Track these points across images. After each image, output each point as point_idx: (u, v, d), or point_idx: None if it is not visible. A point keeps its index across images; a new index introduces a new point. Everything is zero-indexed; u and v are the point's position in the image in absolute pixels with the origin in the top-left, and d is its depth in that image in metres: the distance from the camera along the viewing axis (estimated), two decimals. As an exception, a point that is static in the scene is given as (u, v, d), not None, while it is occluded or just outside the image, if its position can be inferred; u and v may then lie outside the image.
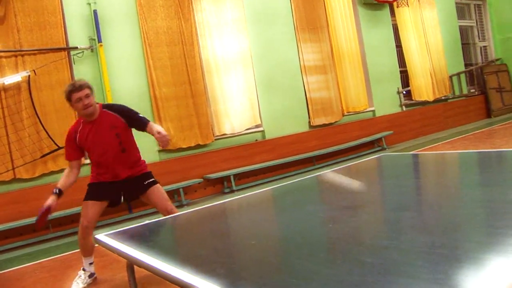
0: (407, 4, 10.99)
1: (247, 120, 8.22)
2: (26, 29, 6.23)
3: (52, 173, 6.29)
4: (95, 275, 3.68)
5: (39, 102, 6.24)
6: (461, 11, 13.20)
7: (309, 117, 9.13)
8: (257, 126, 8.43)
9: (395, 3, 10.76)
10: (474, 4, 13.58)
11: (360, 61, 10.03)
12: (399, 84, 10.94)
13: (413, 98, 11.12)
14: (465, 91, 12.56)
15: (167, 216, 3.07)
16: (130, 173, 3.55)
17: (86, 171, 6.55)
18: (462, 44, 12.92)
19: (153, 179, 3.65)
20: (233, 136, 8.07)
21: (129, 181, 3.56)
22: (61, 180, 3.50)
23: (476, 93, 12.90)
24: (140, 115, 3.54)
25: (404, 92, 11.06)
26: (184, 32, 7.55)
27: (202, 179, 7.35)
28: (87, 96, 3.38)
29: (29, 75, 6.13)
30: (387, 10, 10.82)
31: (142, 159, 3.73)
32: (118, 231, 2.34)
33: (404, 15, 11.07)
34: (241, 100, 8.15)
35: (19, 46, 6.17)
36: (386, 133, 9.82)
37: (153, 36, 7.26)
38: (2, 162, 5.93)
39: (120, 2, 7.06)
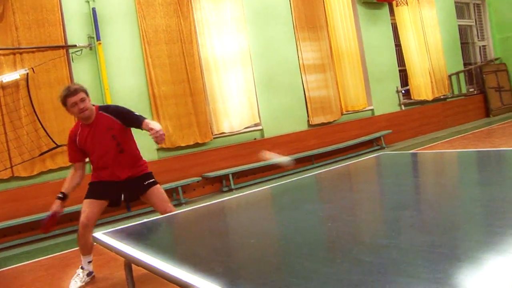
0: (406, 3, 11.00)
1: (246, 119, 8.21)
2: (25, 27, 6.21)
3: (50, 171, 6.28)
4: (93, 274, 3.68)
5: (38, 100, 6.22)
6: (460, 10, 13.21)
7: (308, 116, 9.12)
8: (256, 125, 8.42)
9: (394, 2, 10.76)
10: (473, 4, 13.58)
11: (359, 60, 10.03)
12: (398, 83, 10.95)
13: (412, 97, 11.13)
14: (464, 91, 12.57)
15: (165, 215, 3.06)
16: (130, 174, 3.55)
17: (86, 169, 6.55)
18: (461, 43, 12.92)
19: (153, 179, 3.64)
20: (231, 134, 8.06)
21: (129, 182, 3.56)
22: (65, 184, 3.55)
23: (475, 92, 12.91)
24: (136, 113, 3.51)
25: (403, 91, 11.06)
26: (183, 30, 7.53)
27: (200, 178, 7.34)
28: (82, 100, 3.39)
29: (27, 73, 6.12)
30: (386, 9, 10.82)
31: (143, 159, 3.72)
32: (116, 230, 2.33)
33: (404, 14, 11.07)
34: (240, 99, 8.14)
35: (18, 44, 6.15)
36: (385, 132, 9.82)
37: (152, 34, 7.25)
38: (0, 160, 5.92)
39: (119, 0, 7.04)
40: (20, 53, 6.16)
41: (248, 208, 2.73)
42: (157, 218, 2.75)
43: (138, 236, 2.27)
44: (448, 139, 9.55)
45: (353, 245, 1.61)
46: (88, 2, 6.70)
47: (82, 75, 6.61)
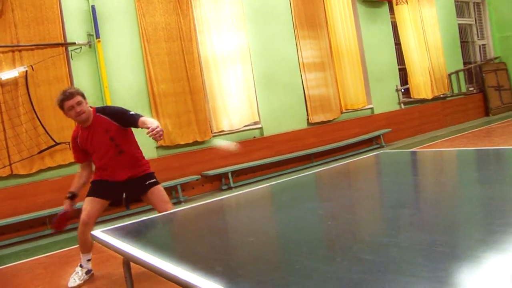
0: (406, 2, 10.98)
1: (245, 117, 8.20)
2: (24, 24, 6.19)
3: (49, 169, 6.27)
4: (92, 272, 3.68)
5: (37, 97, 6.21)
6: (460, 9, 13.19)
7: (307, 114, 9.12)
8: (255, 123, 8.41)
9: (394, 1, 10.76)
10: (473, 2, 13.57)
11: (359, 59, 10.02)
12: (397, 81, 10.94)
13: (411, 96, 11.12)
14: (463, 89, 12.56)
15: (164, 213, 3.05)
16: (131, 174, 3.55)
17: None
18: (461, 42, 12.91)
19: (154, 179, 3.63)
20: (231, 132, 8.05)
21: (131, 182, 3.56)
22: (74, 183, 3.63)
23: (475, 91, 12.90)
24: (131, 113, 3.46)
25: (402, 90, 11.05)
26: (182, 28, 7.51)
27: (200, 176, 7.33)
28: (78, 103, 3.39)
29: (26, 71, 6.10)
30: (386, 8, 10.81)
31: (144, 159, 3.70)
32: (115, 228, 2.32)
33: (403, 12, 11.05)
34: (239, 97, 8.13)
35: (17, 41, 6.13)
36: (384, 131, 9.82)
37: (152, 32, 7.23)
38: (-1, 157, 5.91)
39: (118, -2, 7.03)
40: (19, 51, 6.14)
41: (248, 206, 2.72)
42: (155, 216, 2.74)
43: (136, 234, 2.27)
44: (448, 138, 9.54)
45: (353, 243, 1.61)
46: (88, -1, 6.69)
47: (81, 72, 6.60)
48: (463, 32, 13.22)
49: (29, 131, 6.10)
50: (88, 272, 3.63)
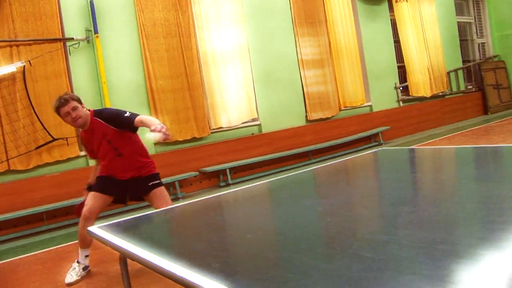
0: (406, 0, 10.96)
1: (243, 114, 8.18)
2: (22, 19, 6.15)
3: (46, 164, 6.24)
4: (89, 268, 3.66)
5: (34, 93, 6.18)
6: (460, 7, 13.18)
7: (306, 111, 9.10)
8: (253, 120, 8.40)
9: (393, -2, 10.73)
10: (473, 1, 13.56)
11: (358, 56, 10.00)
12: (396, 79, 10.92)
13: (410, 94, 11.11)
14: (462, 88, 12.56)
15: (161, 209, 3.03)
16: (133, 174, 3.54)
17: (81, 163, 6.51)
18: (460, 40, 12.90)
19: (158, 181, 3.61)
20: (229, 129, 8.03)
21: (134, 181, 3.55)
22: (90, 175, 3.77)
23: (474, 89, 12.90)
24: (127, 114, 3.39)
25: (401, 88, 11.04)
26: (181, 24, 7.48)
27: (198, 172, 7.32)
28: (74, 109, 3.39)
29: (24, 66, 6.07)
30: (385, 5, 10.78)
31: (149, 159, 3.67)
32: (112, 224, 2.30)
33: (403, 10, 11.04)
34: (238, 94, 8.10)
35: (14, 36, 6.09)
36: (383, 128, 9.81)
37: (150, 27, 7.20)
38: (-4, 153, 5.88)
39: (116, -7, 6.99)
40: (17, 46, 6.11)
41: (246, 203, 2.71)
42: (153, 213, 2.73)
43: (133, 230, 2.25)
44: (446, 136, 9.54)
45: (352, 240, 1.59)
46: (86, -6, 6.65)
47: (79, 68, 6.57)
48: (462, 30, 13.21)
49: (26, 127, 6.07)
50: (85, 268, 3.61)
